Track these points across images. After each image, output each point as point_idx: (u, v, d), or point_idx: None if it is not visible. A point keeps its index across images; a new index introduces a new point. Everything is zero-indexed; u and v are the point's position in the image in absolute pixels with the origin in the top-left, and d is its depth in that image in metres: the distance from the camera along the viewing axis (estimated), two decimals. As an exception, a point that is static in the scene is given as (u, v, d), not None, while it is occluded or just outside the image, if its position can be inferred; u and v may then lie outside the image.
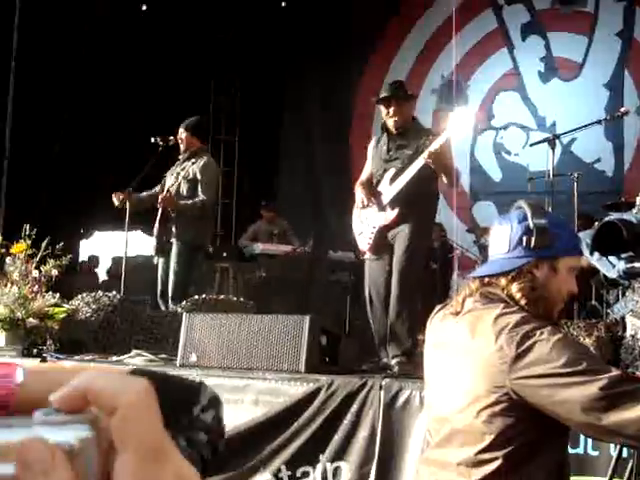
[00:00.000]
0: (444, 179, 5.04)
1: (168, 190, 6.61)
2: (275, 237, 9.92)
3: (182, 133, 6.80)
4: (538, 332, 2.01)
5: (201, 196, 6.59)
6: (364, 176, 5.39)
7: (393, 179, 5.06)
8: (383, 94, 5.27)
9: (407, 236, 4.96)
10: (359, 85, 12.00)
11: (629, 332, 4.49)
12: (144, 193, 6.95)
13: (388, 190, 5.08)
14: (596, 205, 7.43)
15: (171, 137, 6.83)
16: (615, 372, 1.95)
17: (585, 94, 10.72)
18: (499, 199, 10.60)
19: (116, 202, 6.71)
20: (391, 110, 5.17)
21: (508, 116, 11.32)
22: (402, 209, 4.98)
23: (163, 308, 6.50)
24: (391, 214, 5.01)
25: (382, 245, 5.09)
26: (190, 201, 6.56)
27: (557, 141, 9.67)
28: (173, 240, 6.61)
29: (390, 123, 5.23)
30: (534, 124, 11.03)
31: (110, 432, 0.50)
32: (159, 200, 6.59)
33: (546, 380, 1.96)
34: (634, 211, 4.25)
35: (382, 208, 5.08)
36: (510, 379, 2.00)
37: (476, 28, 11.57)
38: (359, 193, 5.24)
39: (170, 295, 6.43)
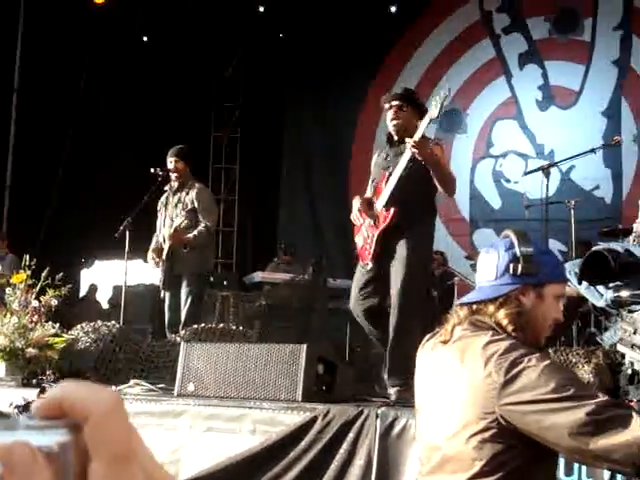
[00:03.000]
0: (436, 181, 4.86)
1: (176, 229, 6.64)
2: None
3: (177, 162, 6.83)
4: (526, 359, 2.04)
5: (203, 223, 6.66)
6: (368, 192, 5.27)
7: (387, 181, 4.95)
8: (394, 93, 5.18)
9: (405, 251, 4.82)
10: (359, 116, 12.08)
11: (628, 360, 4.49)
12: (154, 242, 6.97)
13: (383, 191, 4.96)
14: (595, 232, 7.44)
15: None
16: (602, 398, 1.97)
17: (583, 122, 10.78)
18: (498, 226, 10.61)
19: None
20: (393, 112, 5.04)
21: (507, 144, 11.39)
22: (398, 209, 4.85)
23: (167, 337, 6.52)
24: (387, 214, 4.88)
25: (382, 255, 4.92)
26: (195, 232, 6.62)
27: (556, 169, 9.76)
28: (181, 272, 6.66)
29: (391, 127, 5.09)
30: (533, 152, 11.09)
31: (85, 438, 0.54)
32: (168, 238, 6.65)
33: (534, 406, 1.98)
34: (630, 238, 4.28)
35: (377, 213, 4.96)
36: (499, 405, 2.03)
37: (474, 57, 11.69)
38: (354, 208, 5.12)
39: (182, 326, 6.44)
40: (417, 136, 4.71)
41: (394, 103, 5.05)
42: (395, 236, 4.89)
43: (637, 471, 1.95)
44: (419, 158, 4.71)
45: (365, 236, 5.04)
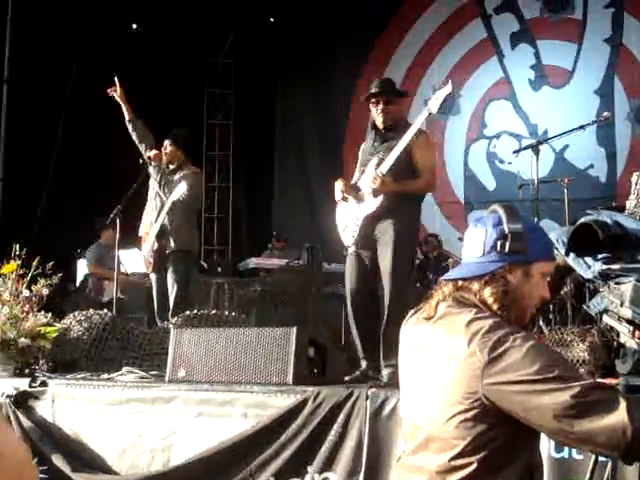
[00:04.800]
0: (421, 170, 5.05)
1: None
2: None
3: (166, 146, 6.87)
4: (511, 338, 2.00)
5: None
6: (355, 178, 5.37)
7: (377, 166, 5.03)
8: (372, 90, 5.24)
9: (393, 234, 4.93)
10: (351, 98, 12.02)
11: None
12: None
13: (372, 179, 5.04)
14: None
15: (154, 151, 6.86)
16: (588, 380, 1.94)
17: (576, 101, 10.73)
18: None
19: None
20: (379, 107, 5.15)
21: (500, 125, 11.33)
22: (386, 196, 4.95)
23: (160, 325, 6.49)
24: (376, 201, 4.98)
25: (367, 238, 5.04)
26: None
27: (549, 148, 9.73)
28: (168, 251, 6.65)
29: (379, 120, 5.20)
30: (526, 132, 11.04)
31: None
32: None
33: (518, 387, 1.95)
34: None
35: (366, 197, 5.05)
36: (482, 385, 1.99)
37: (466, 38, 11.61)
38: (337, 186, 5.24)
39: (171, 309, 6.44)
40: (412, 132, 4.92)
41: (379, 99, 5.16)
42: (380, 220, 5.01)
43: (620, 455, 1.93)
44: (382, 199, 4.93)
45: (350, 218, 5.14)
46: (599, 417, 1.87)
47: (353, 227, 5.09)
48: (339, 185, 5.23)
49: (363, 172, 5.20)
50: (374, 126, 5.28)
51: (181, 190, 6.50)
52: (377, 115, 5.18)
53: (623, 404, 1.87)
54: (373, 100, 5.20)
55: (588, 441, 1.91)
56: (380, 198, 4.96)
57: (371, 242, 5.06)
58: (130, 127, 7.01)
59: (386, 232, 4.98)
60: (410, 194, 5.11)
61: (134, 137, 7.02)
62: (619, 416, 1.85)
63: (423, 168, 5.10)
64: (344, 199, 5.19)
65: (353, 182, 5.27)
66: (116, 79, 6.99)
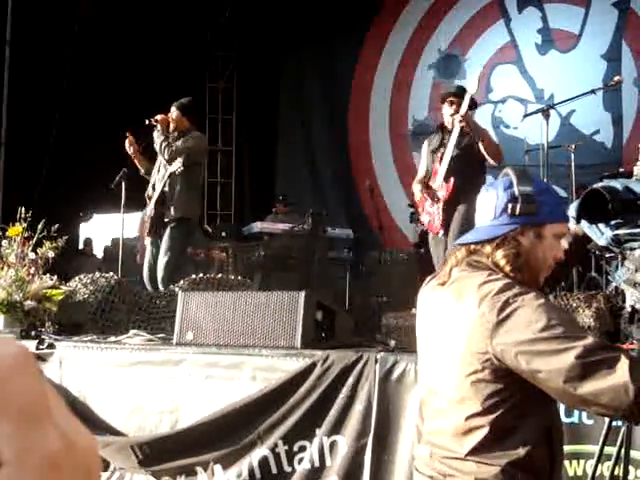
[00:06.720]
0: (483, 150, 5.61)
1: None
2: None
3: (173, 112, 6.84)
4: (520, 298, 2.01)
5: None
6: (419, 175, 6.05)
7: (440, 160, 5.77)
8: (452, 91, 6.06)
9: (463, 212, 5.50)
10: (356, 62, 11.94)
11: (628, 302, 4.46)
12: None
13: (439, 169, 5.75)
14: (595, 177, 7.38)
15: (158, 117, 6.79)
16: (592, 339, 1.93)
17: (583, 65, 10.64)
18: (498, 173, 10.52)
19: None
20: (454, 108, 5.81)
21: (506, 89, 11.25)
22: (456, 179, 5.60)
23: (150, 289, 6.45)
24: (448, 185, 5.63)
25: (447, 222, 5.67)
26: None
27: (555, 113, 9.66)
28: (168, 217, 6.61)
29: (450, 118, 5.82)
30: (532, 97, 10.97)
31: None
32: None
33: (524, 347, 1.95)
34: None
35: (439, 187, 5.71)
36: (492, 345, 2.01)
37: (472, 1, 11.50)
38: (417, 190, 5.88)
39: (160, 275, 6.41)
40: (463, 110, 5.61)
41: (454, 99, 5.90)
42: (455, 206, 5.65)
43: (624, 415, 1.93)
44: (466, 129, 5.56)
45: (430, 212, 5.79)
46: (601, 378, 1.86)
47: (438, 216, 5.70)
48: (418, 187, 5.89)
49: (432, 169, 5.87)
50: (441, 127, 6.01)
51: (177, 164, 6.45)
52: (450, 116, 5.84)
53: (625, 363, 1.86)
54: (450, 101, 5.92)
55: (592, 402, 1.91)
56: (452, 180, 5.61)
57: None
58: (142, 173, 7.01)
59: (458, 213, 5.61)
60: (478, 180, 5.56)
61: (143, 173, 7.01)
62: (621, 376, 1.85)
63: (480, 136, 5.77)
64: (425, 198, 5.80)
65: (426, 181, 5.92)
66: (129, 135, 6.88)
